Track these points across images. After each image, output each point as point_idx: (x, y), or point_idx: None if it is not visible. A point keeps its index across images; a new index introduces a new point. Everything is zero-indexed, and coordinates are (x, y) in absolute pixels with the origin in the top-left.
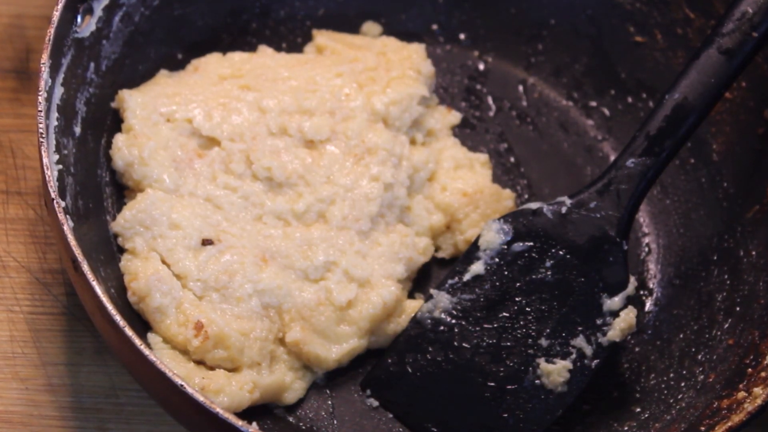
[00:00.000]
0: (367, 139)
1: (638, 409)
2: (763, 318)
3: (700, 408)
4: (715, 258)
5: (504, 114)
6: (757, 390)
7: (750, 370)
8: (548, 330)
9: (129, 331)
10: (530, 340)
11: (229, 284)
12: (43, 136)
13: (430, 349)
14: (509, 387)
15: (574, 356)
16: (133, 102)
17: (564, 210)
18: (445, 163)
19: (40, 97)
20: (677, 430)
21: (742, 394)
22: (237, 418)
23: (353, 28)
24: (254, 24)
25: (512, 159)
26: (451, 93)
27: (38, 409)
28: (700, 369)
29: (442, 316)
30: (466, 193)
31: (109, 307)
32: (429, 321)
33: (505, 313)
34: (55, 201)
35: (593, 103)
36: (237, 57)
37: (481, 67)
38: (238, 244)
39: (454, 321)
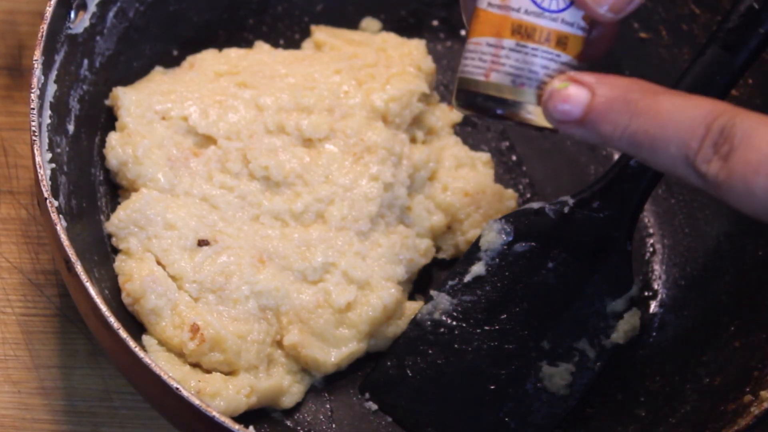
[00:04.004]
0: (367, 138)
1: (642, 413)
2: None
3: (706, 412)
4: (721, 258)
5: None
6: (764, 393)
7: (756, 372)
8: (550, 332)
9: (123, 333)
10: (532, 342)
11: (225, 286)
12: (36, 134)
13: (430, 351)
14: (511, 390)
15: (576, 359)
16: (127, 99)
17: (566, 210)
18: (446, 162)
19: (32, 95)
20: None
21: (748, 398)
22: (234, 422)
23: (352, 24)
24: (251, 20)
25: (514, 157)
26: (452, 90)
27: (30, 413)
28: (706, 372)
29: (443, 318)
30: (468, 192)
31: (103, 308)
32: (429, 323)
33: (506, 315)
34: (47, 200)
35: None
36: (233, 53)
37: None
38: (234, 245)
39: (454, 323)
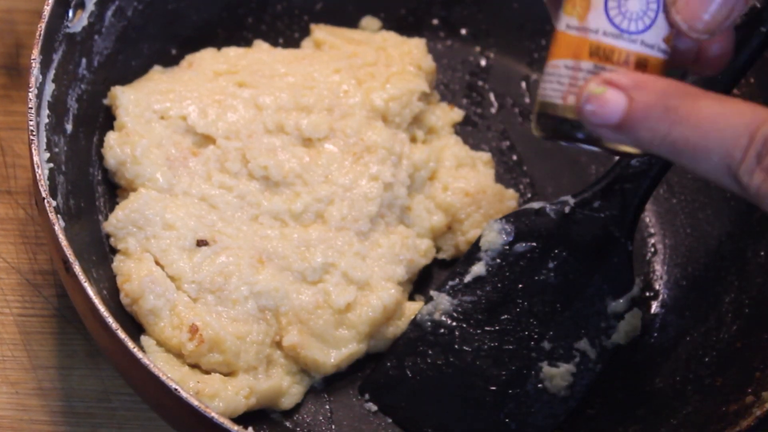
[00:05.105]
0: (366, 137)
1: (644, 413)
2: None
3: (707, 412)
4: (723, 259)
5: (506, 111)
6: (766, 394)
7: (758, 373)
8: (551, 333)
9: (122, 334)
10: (533, 343)
11: (224, 286)
12: (34, 133)
13: (430, 352)
14: (511, 391)
15: (577, 360)
16: (125, 99)
17: (567, 210)
18: (447, 162)
19: (30, 94)
20: None
21: (750, 399)
22: (233, 423)
23: (352, 22)
24: (250, 19)
25: (515, 157)
26: (452, 89)
27: (28, 414)
28: (707, 372)
29: (443, 318)
30: (468, 192)
31: (102, 309)
32: (429, 323)
33: (506, 316)
34: (45, 200)
35: None
36: (232, 52)
37: (483, 62)
38: (233, 245)
39: (454, 323)
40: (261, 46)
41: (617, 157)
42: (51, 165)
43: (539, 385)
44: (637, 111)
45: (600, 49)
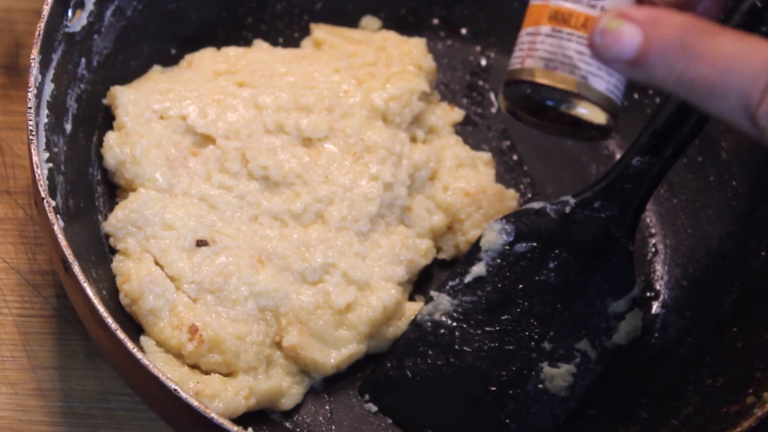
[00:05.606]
0: (366, 137)
1: (644, 414)
2: None
3: (708, 413)
4: (724, 259)
5: None
6: (767, 395)
7: (759, 374)
8: (551, 333)
9: (121, 334)
10: (533, 343)
11: (224, 286)
12: (33, 133)
13: (430, 352)
14: (511, 392)
15: (578, 360)
16: (125, 99)
17: (568, 210)
18: (447, 162)
19: (29, 94)
20: None
21: (751, 399)
22: (232, 424)
23: (352, 22)
24: (250, 18)
25: (515, 157)
26: (453, 89)
27: (28, 414)
28: (708, 373)
29: (443, 318)
30: (469, 192)
31: (101, 309)
32: (429, 324)
33: (507, 316)
34: (45, 200)
35: None
36: (232, 52)
37: (483, 62)
38: (233, 245)
39: (454, 324)
40: (261, 46)
41: (618, 157)
42: (50, 165)
43: (540, 386)
44: (653, 46)
45: (559, 13)
